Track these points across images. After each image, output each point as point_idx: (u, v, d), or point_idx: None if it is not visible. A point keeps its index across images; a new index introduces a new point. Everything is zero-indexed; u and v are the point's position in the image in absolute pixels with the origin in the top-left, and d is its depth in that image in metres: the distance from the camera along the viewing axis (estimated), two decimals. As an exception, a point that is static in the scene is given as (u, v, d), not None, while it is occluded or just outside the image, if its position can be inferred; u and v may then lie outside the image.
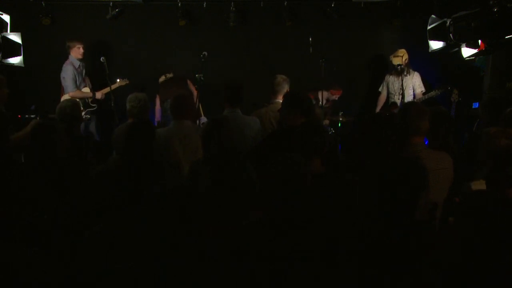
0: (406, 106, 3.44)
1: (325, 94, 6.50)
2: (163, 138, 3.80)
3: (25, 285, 1.57)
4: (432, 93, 6.13)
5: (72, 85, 6.14)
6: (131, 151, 3.01)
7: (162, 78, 6.47)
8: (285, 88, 4.84)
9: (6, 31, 5.46)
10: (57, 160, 2.91)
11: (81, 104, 5.17)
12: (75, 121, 4.14)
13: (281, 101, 4.73)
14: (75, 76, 6.16)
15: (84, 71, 6.33)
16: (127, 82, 6.31)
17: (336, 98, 6.56)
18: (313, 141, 2.90)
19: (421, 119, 3.06)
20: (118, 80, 6.27)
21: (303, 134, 2.94)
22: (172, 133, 3.88)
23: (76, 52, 6.17)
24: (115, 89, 6.14)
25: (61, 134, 3.15)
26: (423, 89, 6.40)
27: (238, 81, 4.50)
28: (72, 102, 4.33)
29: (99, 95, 6.26)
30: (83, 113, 5.81)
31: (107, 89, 6.06)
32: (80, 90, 6.19)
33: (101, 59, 6.09)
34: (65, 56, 6.24)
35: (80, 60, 6.23)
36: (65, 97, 5.94)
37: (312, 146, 2.90)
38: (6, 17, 5.54)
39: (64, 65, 6.16)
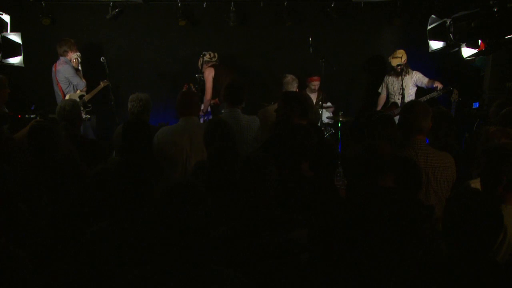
0: (410, 104, 3.46)
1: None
2: (171, 135, 3.77)
3: (23, 285, 1.57)
4: (434, 94, 6.13)
5: (81, 81, 6.19)
6: (128, 150, 3.00)
7: (208, 57, 6.32)
8: (294, 87, 4.85)
9: (6, 31, 5.46)
10: (56, 160, 2.91)
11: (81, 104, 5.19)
12: (75, 121, 4.14)
13: None
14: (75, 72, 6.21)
15: None
16: (107, 83, 6.28)
17: (317, 87, 6.54)
18: (303, 145, 2.86)
19: (424, 118, 3.10)
20: (101, 83, 6.28)
21: (293, 137, 2.90)
22: (182, 129, 3.86)
23: (71, 56, 6.20)
24: (114, 89, 6.16)
25: (59, 134, 3.14)
26: (427, 78, 6.40)
27: (239, 81, 4.51)
28: (72, 101, 4.33)
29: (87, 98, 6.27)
30: (83, 113, 5.81)
31: (92, 93, 6.18)
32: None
33: (101, 59, 6.11)
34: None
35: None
36: (79, 92, 6.08)
37: (301, 150, 2.86)
38: (6, 17, 5.54)
39: (60, 67, 6.12)
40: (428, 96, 6.20)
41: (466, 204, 1.85)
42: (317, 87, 6.57)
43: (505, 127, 3.19)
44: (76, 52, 6.21)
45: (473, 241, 1.81)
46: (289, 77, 4.96)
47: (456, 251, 1.86)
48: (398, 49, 6.46)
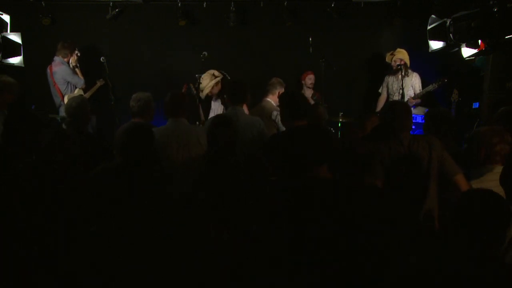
0: (391, 104, 3.58)
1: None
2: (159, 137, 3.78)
3: (24, 284, 1.57)
4: (430, 87, 6.12)
5: (80, 79, 6.19)
6: (127, 153, 2.98)
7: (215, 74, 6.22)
8: (277, 89, 4.86)
9: (6, 31, 5.46)
10: (53, 162, 2.91)
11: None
12: (81, 118, 4.12)
13: (269, 99, 4.79)
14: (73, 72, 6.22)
15: None
16: (103, 82, 6.30)
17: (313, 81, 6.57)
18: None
19: (405, 116, 3.21)
20: (97, 82, 6.30)
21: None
22: (169, 131, 3.87)
23: (70, 57, 6.20)
24: (114, 89, 6.16)
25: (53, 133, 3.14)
26: (418, 88, 6.40)
27: (242, 79, 4.52)
28: (79, 98, 4.33)
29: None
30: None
31: (89, 93, 6.23)
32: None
33: (101, 59, 6.11)
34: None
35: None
36: (78, 92, 6.09)
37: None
38: (6, 17, 5.54)
39: (56, 68, 6.12)
40: (424, 90, 6.20)
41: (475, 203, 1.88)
42: (313, 82, 6.57)
43: (504, 126, 3.18)
44: (75, 53, 6.25)
45: (480, 239, 1.83)
46: (274, 79, 4.97)
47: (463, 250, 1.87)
48: (400, 49, 6.45)
